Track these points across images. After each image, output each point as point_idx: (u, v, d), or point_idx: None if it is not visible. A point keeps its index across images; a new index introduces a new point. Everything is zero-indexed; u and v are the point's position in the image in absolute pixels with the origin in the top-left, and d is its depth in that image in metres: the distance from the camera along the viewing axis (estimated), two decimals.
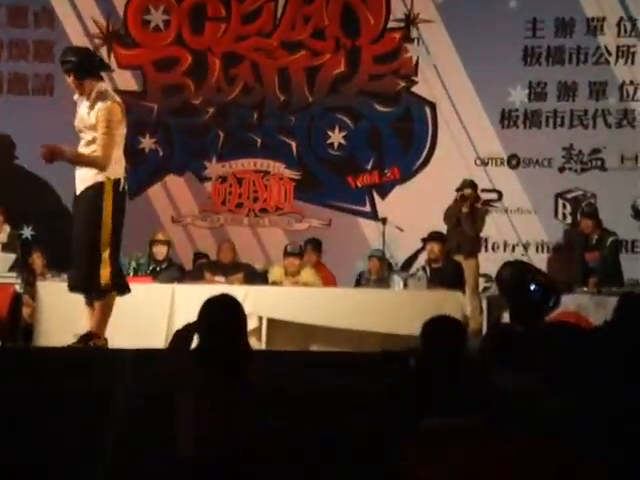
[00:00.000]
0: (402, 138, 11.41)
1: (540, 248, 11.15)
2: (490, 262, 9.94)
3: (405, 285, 9.42)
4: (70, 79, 6.54)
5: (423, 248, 10.51)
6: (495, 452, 1.96)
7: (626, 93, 11.09)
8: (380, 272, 9.92)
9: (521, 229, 11.18)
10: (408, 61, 11.40)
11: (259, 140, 11.49)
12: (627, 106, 11.12)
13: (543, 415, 2.74)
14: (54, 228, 10.53)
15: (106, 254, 6.43)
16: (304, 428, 5.03)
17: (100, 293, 6.50)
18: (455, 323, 4.23)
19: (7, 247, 9.29)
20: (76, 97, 6.63)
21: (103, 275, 6.43)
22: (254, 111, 11.51)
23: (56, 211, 10.64)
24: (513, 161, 11.24)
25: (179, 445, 4.06)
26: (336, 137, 11.44)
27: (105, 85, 6.70)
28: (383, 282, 9.70)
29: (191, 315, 4.27)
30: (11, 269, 8.66)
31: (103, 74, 6.68)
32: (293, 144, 11.46)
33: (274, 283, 9.57)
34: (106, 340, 6.55)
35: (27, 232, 11.13)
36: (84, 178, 6.51)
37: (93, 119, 6.43)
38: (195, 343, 4.22)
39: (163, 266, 9.94)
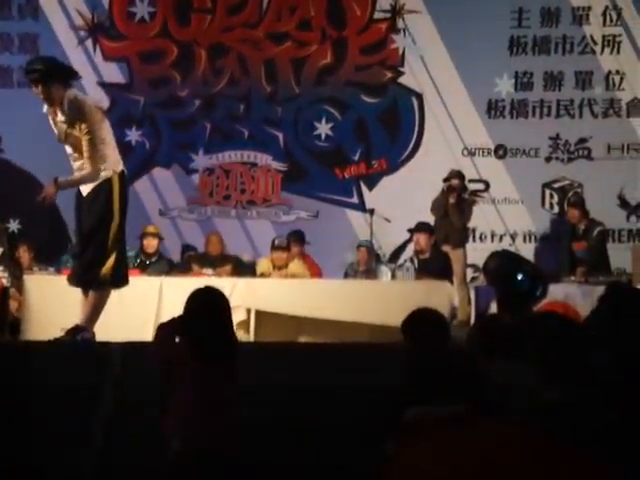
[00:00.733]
0: (389, 129, 11.41)
1: (527, 238, 11.17)
2: (478, 252, 9.96)
3: (393, 276, 9.44)
4: (38, 90, 6.40)
5: (410, 239, 10.52)
6: (479, 437, 1.97)
7: (612, 83, 11.11)
8: (368, 263, 9.93)
9: (508, 219, 11.19)
10: (394, 52, 11.39)
11: (246, 132, 11.47)
12: (613, 96, 11.13)
13: (529, 405, 2.75)
14: (41, 222, 10.50)
15: (113, 246, 6.47)
16: (290, 420, 5.03)
17: (98, 285, 6.51)
18: (436, 315, 4.23)
19: None
20: (45, 109, 6.55)
21: (106, 267, 6.45)
22: (241, 103, 11.49)
23: (43, 205, 10.58)
24: (500, 151, 11.24)
25: (167, 438, 4.07)
26: (323, 128, 11.43)
27: (74, 91, 6.57)
28: (371, 273, 9.71)
29: (179, 308, 4.29)
30: None
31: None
32: (280, 136, 11.45)
33: (262, 275, 9.57)
34: (94, 333, 6.54)
35: (14, 226, 11.09)
36: None
37: (76, 133, 6.37)
38: (180, 335, 4.24)
39: (153, 259, 9.93)
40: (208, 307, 4.20)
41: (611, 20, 11.14)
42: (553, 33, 11.21)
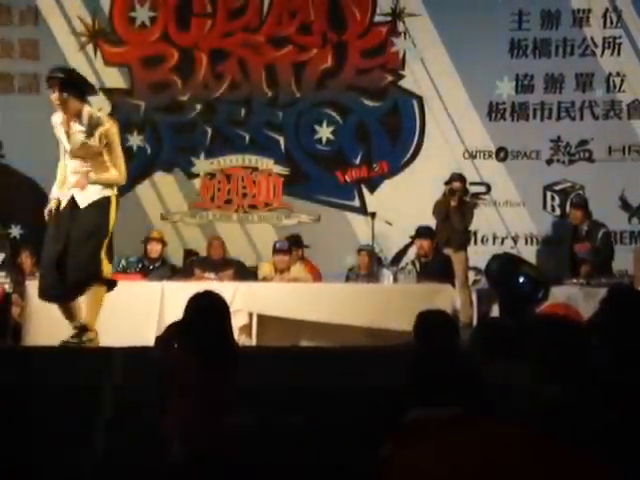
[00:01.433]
0: (390, 132, 11.41)
1: (529, 240, 11.17)
2: (479, 255, 9.97)
3: (395, 279, 9.43)
4: (54, 95, 6.46)
5: (412, 243, 10.52)
6: (479, 437, 1.97)
7: (613, 84, 11.11)
8: (370, 267, 9.92)
9: (510, 222, 11.19)
10: (395, 55, 11.40)
11: (247, 136, 11.47)
12: (614, 97, 11.14)
13: (529, 405, 2.75)
14: (43, 227, 10.50)
15: (104, 255, 6.52)
16: (291, 424, 5.04)
17: (101, 280, 6.56)
18: (443, 317, 4.24)
19: None
20: (55, 118, 6.58)
21: (106, 270, 6.55)
22: (242, 107, 11.49)
23: (49, 215, 10.58)
24: (501, 154, 11.24)
25: (166, 439, 4.08)
26: (324, 132, 11.44)
27: (94, 108, 6.76)
28: (373, 277, 9.70)
29: (181, 312, 4.30)
30: (0, 268, 8.65)
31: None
32: (281, 140, 11.45)
33: (264, 279, 9.56)
34: (97, 333, 6.59)
35: (15, 231, 11.09)
36: (87, 193, 6.54)
37: (97, 143, 6.44)
38: (181, 340, 4.25)
39: (157, 264, 9.94)
40: (206, 310, 4.24)
41: (611, 22, 11.15)
42: (553, 35, 11.22)
